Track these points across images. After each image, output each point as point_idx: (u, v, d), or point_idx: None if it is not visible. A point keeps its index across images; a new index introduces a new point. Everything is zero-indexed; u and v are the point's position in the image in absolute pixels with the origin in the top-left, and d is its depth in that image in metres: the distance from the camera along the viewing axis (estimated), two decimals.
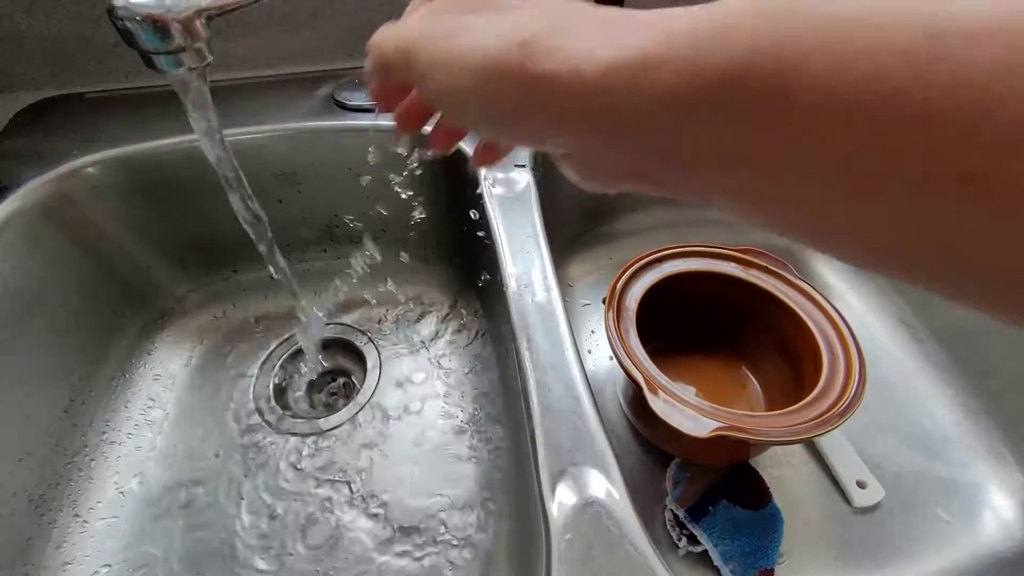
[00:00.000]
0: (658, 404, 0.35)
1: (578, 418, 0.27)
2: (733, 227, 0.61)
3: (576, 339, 0.52)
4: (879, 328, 0.52)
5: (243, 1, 0.23)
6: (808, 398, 0.37)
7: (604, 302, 0.42)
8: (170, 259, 0.50)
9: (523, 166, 0.41)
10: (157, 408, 0.48)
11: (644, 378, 0.37)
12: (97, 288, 0.45)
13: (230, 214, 0.51)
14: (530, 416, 0.28)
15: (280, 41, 0.48)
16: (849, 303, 0.54)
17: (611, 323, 0.40)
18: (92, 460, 0.44)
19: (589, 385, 0.29)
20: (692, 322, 0.49)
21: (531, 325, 0.32)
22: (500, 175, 0.41)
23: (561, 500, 0.24)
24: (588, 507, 0.24)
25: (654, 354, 0.51)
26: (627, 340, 0.39)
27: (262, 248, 0.30)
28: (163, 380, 0.50)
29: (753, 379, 0.49)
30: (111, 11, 0.21)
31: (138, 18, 0.21)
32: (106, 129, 0.45)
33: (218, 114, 0.25)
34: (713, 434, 0.33)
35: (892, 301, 0.53)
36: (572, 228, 0.58)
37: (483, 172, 0.41)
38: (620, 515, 0.24)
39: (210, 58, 0.23)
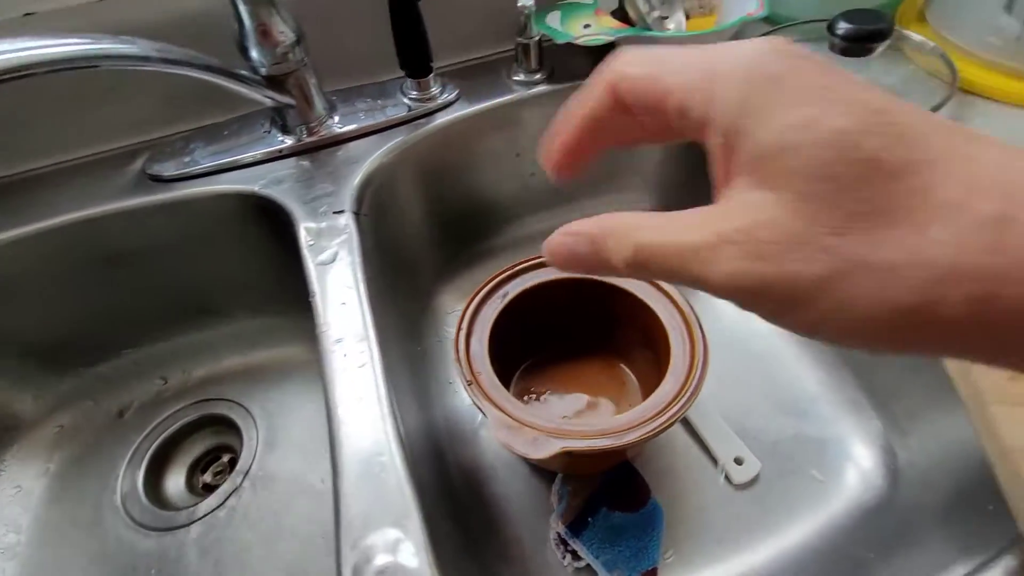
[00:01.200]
0: (500, 432, 0.34)
1: (385, 477, 0.26)
2: None
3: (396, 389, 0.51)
4: None
5: None
6: (656, 392, 0.37)
7: None
8: (3, 369, 0.47)
9: (342, 212, 0.40)
10: (11, 533, 0.44)
11: (492, 405, 0.37)
12: None
13: (66, 307, 0.48)
14: (336, 480, 0.26)
15: (79, 120, 0.45)
16: None
17: (460, 351, 0.39)
18: None
19: (402, 440, 0.28)
20: (565, 330, 0.49)
21: (343, 382, 0.30)
22: (324, 225, 0.40)
23: (356, 567, 0.23)
24: (383, 573, 0.23)
25: (532, 370, 0.51)
26: (475, 368, 0.38)
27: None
28: (17, 500, 0.46)
29: (630, 374, 0.50)
30: None
31: None
32: None
33: None
34: (553, 454, 0.33)
35: None
36: (439, 254, 0.57)
37: (301, 224, 0.40)
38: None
39: None
